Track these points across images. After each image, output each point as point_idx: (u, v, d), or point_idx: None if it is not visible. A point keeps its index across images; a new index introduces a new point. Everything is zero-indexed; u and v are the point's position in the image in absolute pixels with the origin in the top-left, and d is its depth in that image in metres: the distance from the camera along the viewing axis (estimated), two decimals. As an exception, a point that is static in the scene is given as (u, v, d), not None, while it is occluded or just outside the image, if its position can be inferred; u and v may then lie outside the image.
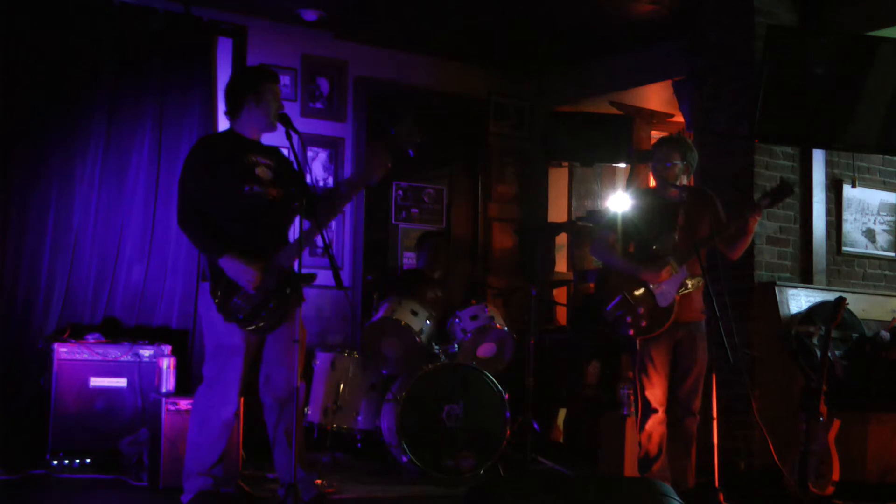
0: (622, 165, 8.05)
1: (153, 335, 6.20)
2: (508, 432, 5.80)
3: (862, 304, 6.15)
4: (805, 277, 6.27)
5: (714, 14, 6.31)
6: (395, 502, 5.15)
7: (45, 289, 6.09)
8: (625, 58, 7.61)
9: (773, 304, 5.89)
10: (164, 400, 5.18)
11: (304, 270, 4.40)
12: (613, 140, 7.62)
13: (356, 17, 7.12)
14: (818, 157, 6.36)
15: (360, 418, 6.05)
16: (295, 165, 4.59)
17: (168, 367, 5.52)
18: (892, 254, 6.99)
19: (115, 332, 6.17)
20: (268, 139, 4.67)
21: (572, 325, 7.62)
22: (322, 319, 7.20)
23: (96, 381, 5.74)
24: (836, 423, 5.10)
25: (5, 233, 5.99)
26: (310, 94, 7.36)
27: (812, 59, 5.82)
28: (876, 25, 6.12)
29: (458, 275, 8.12)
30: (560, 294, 8.16)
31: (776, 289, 5.93)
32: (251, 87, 4.54)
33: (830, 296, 5.75)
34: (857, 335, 5.86)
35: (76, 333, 5.95)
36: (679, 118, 7.84)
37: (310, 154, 7.26)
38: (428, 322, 6.05)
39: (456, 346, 6.06)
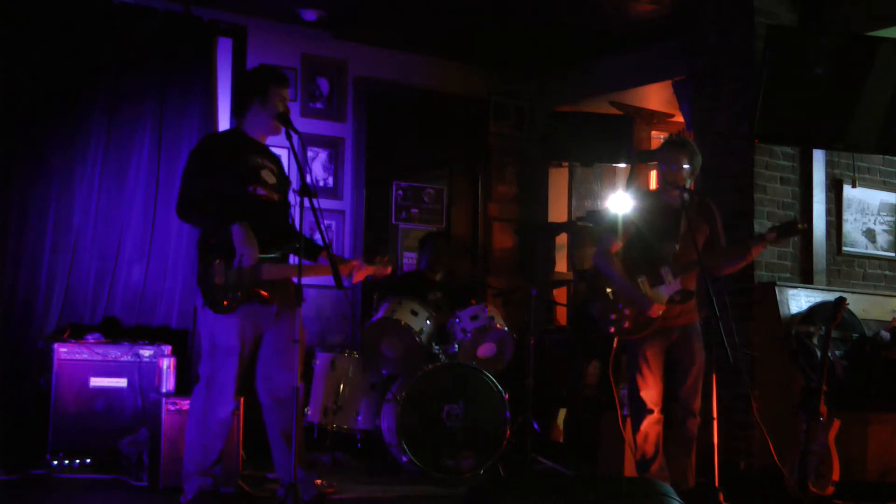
0: (622, 165, 8.04)
1: (153, 335, 6.20)
2: (508, 432, 5.80)
3: (862, 304, 6.14)
4: (805, 277, 6.27)
5: (714, 14, 6.30)
6: (395, 502, 5.15)
7: (45, 289, 6.09)
8: (625, 58, 7.61)
9: (773, 304, 5.89)
10: (164, 400, 5.18)
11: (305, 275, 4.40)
12: (613, 140, 7.62)
13: (356, 17, 7.12)
14: (818, 157, 6.36)
15: (360, 418, 6.05)
16: (294, 166, 4.60)
17: (168, 367, 5.53)
18: (892, 254, 6.99)
19: (115, 332, 6.17)
20: (268, 140, 4.68)
21: (572, 325, 7.61)
22: (322, 319, 7.20)
23: (96, 381, 5.74)
24: (836, 423, 5.10)
25: (5, 233, 5.99)
26: (310, 94, 7.36)
27: (812, 59, 5.82)
28: (876, 25, 6.11)
29: (459, 275, 8.12)
30: (560, 294, 8.16)
31: (776, 289, 5.93)
32: (258, 89, 4.55)
33: (830, 296, 5.75)
34: (857, 335, 5.86)
35: (76, 333, 5.95)
36: (679, 118, 7.84)
37: (310, 154, 7.26)
38: (428, 322, 6.05)
39: (456, 346, 6.06)
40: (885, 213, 6.93)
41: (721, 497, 4.52)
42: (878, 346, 5.74)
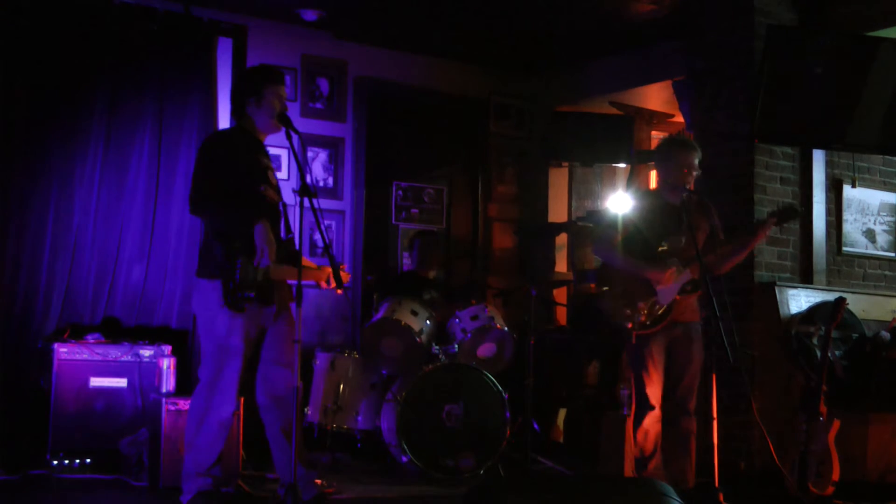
0: (622, 165, 8.05)
1: (153, 335, 6.19)
2: (508, 432, 5.80)
3: (862, 305, 6.15)
4: (805, 277, 6.27)
5: (714, 14, 6.30)
6: (395, 502, 5.15)
7: (45, 289, 6.09)
8: (625, 58, 7.61)
9: (773, 304, 5.89)
10: (164, 400, 5.18)
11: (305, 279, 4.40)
12: (613, 140, 7.62)
13: (356, 17, 7.12)
14: (818, 157, 6.36)
15: (360, 418, 6.05)
16: (295, 166, 4.61)
17: (168, 367, 5.53)
18: (892, 254, 6.99)
19: (115, 332, 6.17)
20: (268, 139, 4.68)
21: (572, 325, 7.61)
22: (322, 319, 7.20)
23: (96, 381, 5.74)
24: (836, 423, 5.10)
25: (5, 233, 5.99)
26: (310, 94, 7.36)
27: (812, 59, 5.82)
28: (876, 25, 6.12)
29: (458, 275, 8.12)
30: (560, 294, 8.16)
31: (776, 289, 5.94)
32: (253, 88, 4.55)
33: (830, 296, 5.75)
34: (857, 335, 5.86)
35: (76, 333, 5.95)
36: (679, 118, 7.84)
37: (310, 154, 7.26)
38: (428, 322, 6.05)
39: (456, 346, 6.06)
40: (885, 214, 6.93)
41: (721, 497, 4.53)
42: (878, 346, 5.74)
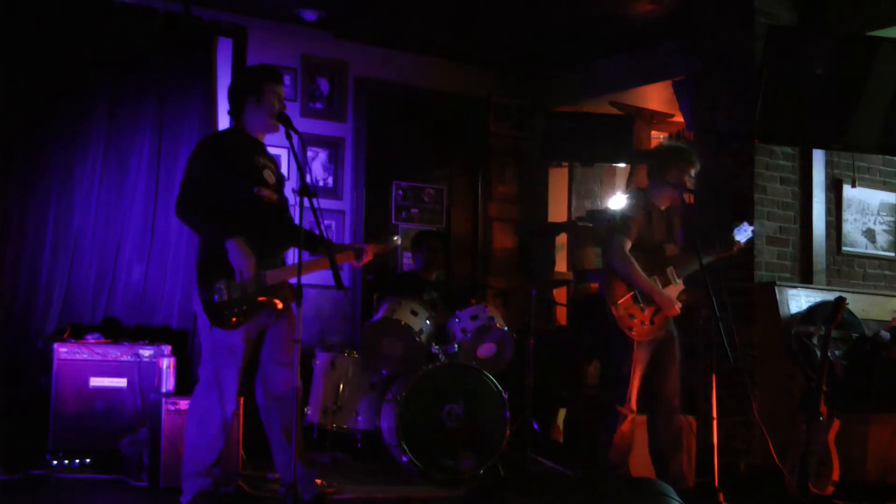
0: (622, 165, 8.05)
1: (153, 335, 6.20)
2: (508, 432, 5.80)
3: (862, 304, 6.15)
4: (805, 277, 6.27)
5: (714, 14, 6.30)
6: (395, 502, 5.15)
7: (45, 289, 6.10)
8: (625, 58, 7.61)
9: (773, 304, 5.89)
10: (164, 400, 5.18)
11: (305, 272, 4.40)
12: (613, 140, 7.61)
13: (356, 17, 7.12)
14: (818, 157, 6.36)
15: (360, 418, 6.05)
16: (294, 167, 4.60)
17: (168, 367, 5.52)
18: (892, 254, 6.99)
19: (115, 332, 6.17)
20: (268, 139, 4.68)
21: (572, 325, 7.61)
22: (322, 319, 7.20)
23: (96, 381, 5.74)
24: (836, 423, 5.10)
25: (5, 233, 5.99)
26: (310, 94, 7.36)
27: (812, 59, 5.82)
28: (876, 25, 6.12)
29: (458, 275, 8.12)
30: (560, 294, 8.16)
31: (776, 289, 5.93)
32: (252, 87, 4.54)
33: (830, 296, 5.75)
34: (857, 335, 5.86)
35: (76, 333, 5.95)
36: (679, 118, 7.84)
37: (310, 154, 7.26)
38: (428, 322, 6.05)
39: (456, 346, 6.06)
40: (884, 213, 6.93)
41: (721, 497, 4.54)
42: (879, 346, 5.73)
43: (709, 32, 6.33)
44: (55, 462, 5.56)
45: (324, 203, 5.12)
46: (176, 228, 6.47)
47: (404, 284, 6.61)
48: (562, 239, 8.28)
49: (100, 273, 6.30)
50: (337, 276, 4.33)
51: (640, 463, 5.35)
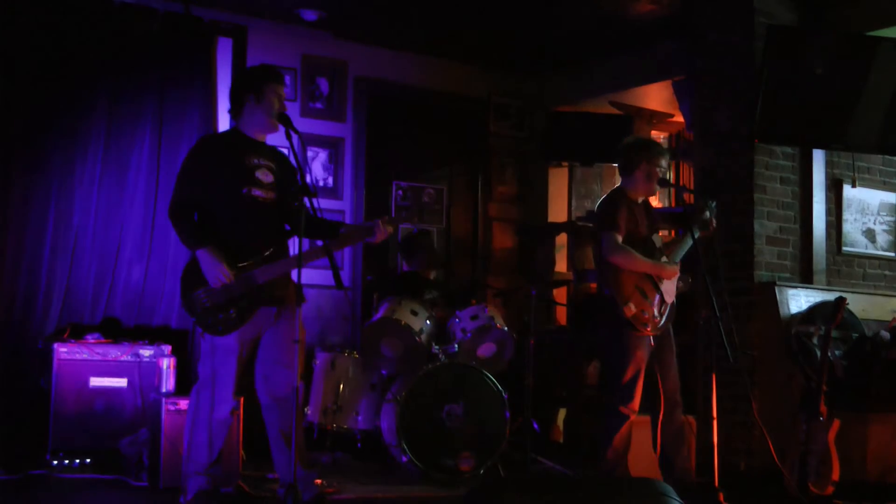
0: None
1: (153, 335, 6.20)
2: (508, 432, 5.80)
3: (862, 304, 6.14)
4: (805, 277, 6.27)
5: (714, 14, 6.30)
6: (395, 502, 5.15)
7: (45, 289, 6.10)
8: (625, 58, 7.61)
9: (773, 304, 5.89)
10: (164, 400, 5.18)
11: (305, 273, 4.40)
12: (613, 140, 7.58)
13: (356, 17, 7.12)
14: (818, 157, 6.36)
15: (360, 418, 6.05)
16: (295, 165, 4.59)
17: (168, 366, 5.52)
18: (892, 254, 6.99)
19: (114, 331, 6.17)
20: (268, 139, 4.67)
21: (572, 326, 7.61)
22: (322, 319, 7.20)
23: (96, 381, 5.74)
24: (836, 423, 5.10)
25: (5, 233, 6.00)
26: (310, 94, 7.36)
27: (812, 59, 5.82)
28: (876, 25, 6.12)
29: (458, 275, 8.12)
30: (560, 294, 8.15)
31: (776, 289, 5.93)
32: (252, 86, 4.54)
33: (830, 296, 5.75)
34: (857, 335, 5.86)
35: (76, 333, 5.95)
36: (679, 118, 7.84)
37: (310, 154, 7.26)
38: (428, 322, 6.05)
39: (456, 346, 6.06)
40: (884, 213, 6.93)
41: (721, 497, 4.54)
42: (878, 346, 5.73)
43: (709, 32, 6.32)
44: (55, 462, 5.56)
45: (324, 203, 5.12)
46: (176, 227, 6.47)
47: (404, 284, 6.61)
48: (562, 239, 8.28)
49: (100, 273, 6.30)
50: (337, 276, 4.33)
51: (640, 463, 5.36)
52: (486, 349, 6.16)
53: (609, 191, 5.38)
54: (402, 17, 7.09)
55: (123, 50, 6.41)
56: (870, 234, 6.86)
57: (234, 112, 4.61)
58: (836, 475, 5.06)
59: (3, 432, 5.69)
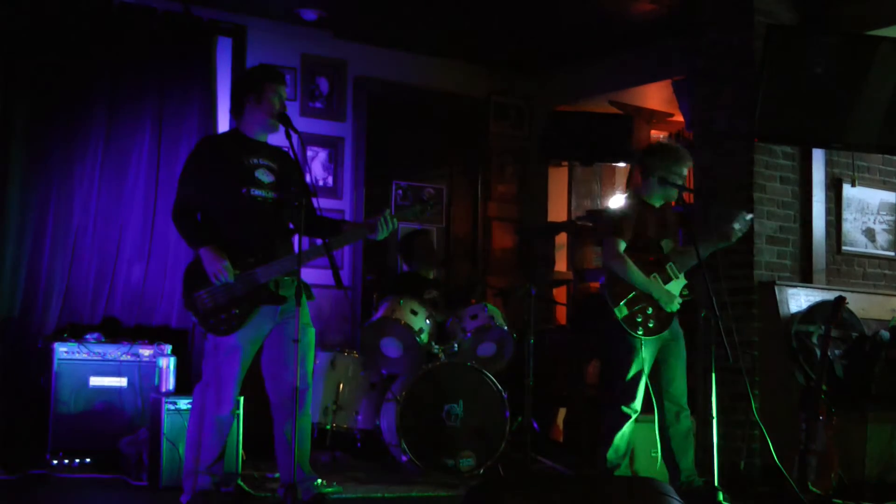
0: (622, 165, 8.05)
1: (153, 335, 6.20)
2: (508, 432, 5.80)
3: (862, 304, 6.14)
4: (805, 277, 6.27)
5: (714, 14, 6.30)
6: (395, 502, 5.15)
7: (45, 289, 6.09)
8: (625, 57, 7.61)
9: (772, 303, 5.89)
10: (163, 399, 5.17)
11: (305, 272, 4.40)
12: (613, 140, 7.62)
13: (356, 17, 7.12)
14: (818, 157, 6.36)
15: (359, 418, 6.05)
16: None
17: (168, 366, 5.52)
18: (892, 253, 6.99)
19: (114, 331, 6.17)
20: (269, 139, 4.67)
21: (572, 325, 7.61)
22: (322, 319, 7.20)
23: (96, 381, 5.74)
24: (836, 423, 5.10)
25: (5, 233, 5.99)
26: (309, 93, 7.36)
27: (812, 58, 5.82)
28: (876, 25, 6.12)
29: (458, 274, 8.12)
30: (560, 294, 8.16)
31: (776, 288, 5.93)
32: (252, 87, 4.55)
33: (830, 295, 5.75)
34: (856, 334, 5.86)
35: (76, 333, 5.95)
36: (679, 118, 7.84)
37: (309, 153, 7.26)
38: (428, 321, 6.05)
39: (456, 345, 6.06)
40: (884, 213, 6.93)
41: (721, 497, 4.54)
42: (878, 346, 5.73)
43: (708, 32, 6.32)
44: (55, 462, 5.56)
45: (323, 203, 5.11)
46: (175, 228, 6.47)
47: (404, 284, 6.61)
48: (561, 238, 8.28)
49: (99, 273, 6.30)
50: (337, 276, 4.33)
51: (641, 463, 5.36)
52: (486, 349, 6.17)
53: (629, 192, 5.43)
54: (401, 17, 7.08)
55: (123, 50, 6.41)
56: (869, 234, 6.86)
57: (235, 112, 4.62)
58: (835, 475, 5.06)
59: (3, 432, 5.69)
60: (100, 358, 5.78)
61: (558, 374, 7.15)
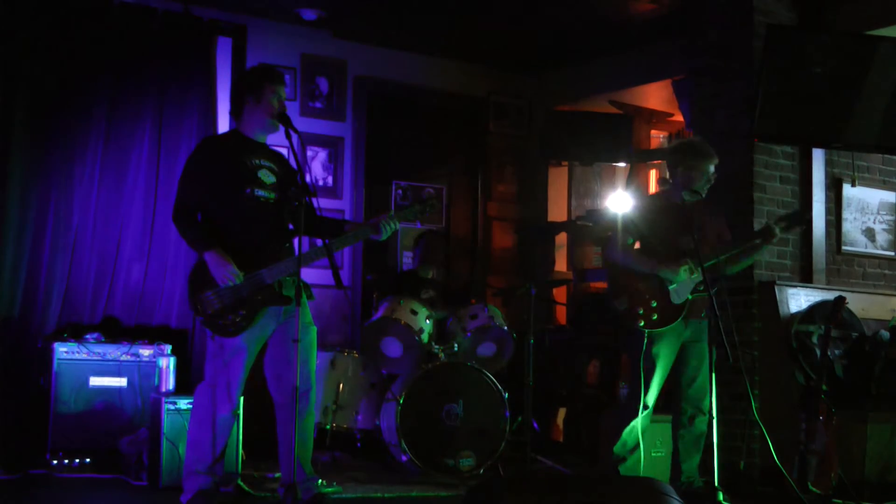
0: (622, 164, 8.05)
1: (153, 335, 6.20)
2: (508, 432, 5.80)
3: (861, 304, 6.15)
4: (805, 276, 6.27)
5: (714, 14, 6.30)
6: (395, 502, 5.15)
7: (45, 288, 6.09)
8: (625, 57, 7.61)
9: (772, 303, 5.89)
10: (163, 399, 5.17)
11: (306, 272, 4.40)
12: (613, 139, 7.61)
13: (356, 17, 7.12)
14: (818, 157, 6.36)
15: (359, 418, 6.05)
16: (295, 166, 4.59)
17: (167, 366, 5.52)
18: (892, 253, 6.99)
19: (114, 331, 6.17)
20: (268, 139, 4.67)
21: (572, 325, 7.61)
22: (322, 319, 7.20)
23: (96, 381, 5.74)
24: (836, 423, 5.10)
25: (5, 232, 5.99)
26: (309, 93, 7.36)
27: (812, 58, 5.82)
28: (876, 24, 6.12)
29: (458, 274, 8.12)
30: (560, 293, 8.16)
31: (776, 288, 5.93)
32: (251, 88, 4.55)
33: (830, 295, 5.75)
34: (856, 334, 5.86)
35: (76, 333, 5.95)
36: (678, 117, 7.84)
37: (309, 153, 7.26)
38: (428, 321, 6.05)
39: (456, 345, 6.06)
40: (884, 212, 6.93)
41: (721, 497, 4.54)
42: (878, 346, 5.74)
43: (708, 32, 6.32)
44: (55, 461, 5.56)
45: (323, 202, 5.11)
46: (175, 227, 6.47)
47: (404, 284, 6.61)
48: (561, 238, 8.28)
49: (99, 272, 6.30)
50: (336, 275, 4.34)
51: (646, 462, 5.34)
52: (485, 349, 6.17)
53: (662, 188, 5.45)
54: (401, 17, 7.08)
55: (123, 49, 6.41)
56: (869, 234, 6.86)
57: (235, 113, 4.62)
58: (835, 474, 5.06)
59: (3, 432, 5.69)
60: (100, 358, 5.78)
61: (558, 374, 7.15)
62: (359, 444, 6.15)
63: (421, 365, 5.88)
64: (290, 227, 4.65)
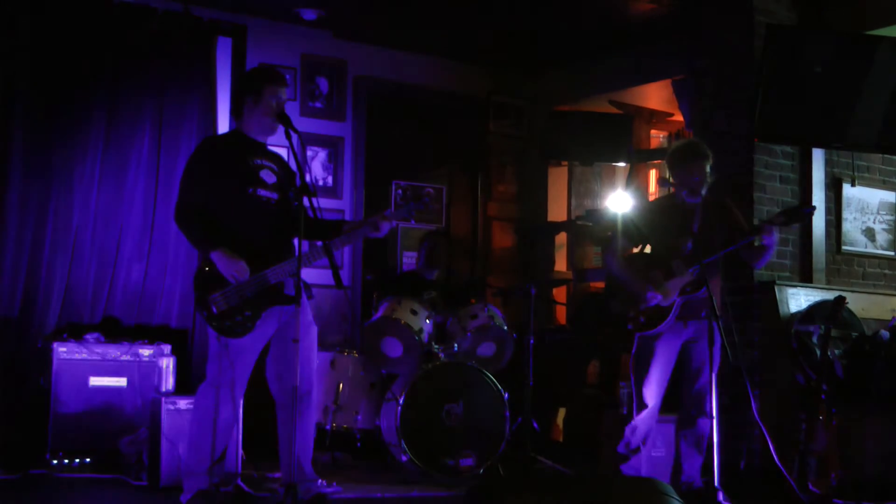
0: (622, 164, 8.05)
1: (153, 334, 6.20)
2: (508, 432, 5.80)
3: (861, 303, 6.15)
4: (805, 276, 6.27)
5: (714, 13, 6.30)
6: (395, 502, 5.15)
7: (45, 288, 6.09)
8: (625, 57, 7.61)
9: (772, 303, 5.89)
10: (163, 399, 5.17)
11: (306, 272, 4.39)
12: (613, 139, 7.62)
13: (356, 17, 7.12)
14: (818, 156, 6.36)
15: (359, 418, 6.05)
16: (294, 166, 4.59)
17: (167, 366, 5.52)
18: (892, 253, 6.99)
19: (114, 331, 6.17)
20: (268, 139, 4.67)
21: (572, 325, 7.61)
22: (322, 319, 7.20)
23: (96, 381, 5.74)
24: (836, 423, 5.10)
25: (5, 233, 5.99)
26: (309, 93, 7.36)
27: (812, 58, 5.82)
28: (876, 24, 6.12)
29: (458, 274, 8.12)
30: (560, 293, 8.16)
31: (776, 288, 5.93)
32: (251, 88, 4.55)
33: (830, 295, 5.75)
34: (856, 334, 5.86)
35: (76, 333, 5.95)
36: (678, 117, 7.84)
37: (309, 153, 7.26)
38: (428, 321, 6.05)
39: (456, 345, 6.06)
40: (884, 212, 6.93)
41: (721, 497, 4.54)
42: (878, 346, 5.73)
43: (708, 31, 6.32)
44: (55, 461, 5.56)
45: (323, 202, 5.11)
46: (176, 228, 6.42)
47: (404, 284, 6.61)
48: (561, 238, 8.28)
49: (99, 272, 6.30)
50: (336, 275, 4.34)
51: (648, 461, 5.34)
52: (486, 349, 6.17)
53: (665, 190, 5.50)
54: (401, 17, 7.08)
55: (123, 50, 6.41)
56: (869, 233, 6.86)
57: (235, 113, 4.63)
58: (835, 474, 5.06)
59: (3, 432, 5.69)
60: (99, 358, 5.78)
61: (558, 374, 7.15)
62: (359, 444, 6.15)
63: (421, 365, 5.88)
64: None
